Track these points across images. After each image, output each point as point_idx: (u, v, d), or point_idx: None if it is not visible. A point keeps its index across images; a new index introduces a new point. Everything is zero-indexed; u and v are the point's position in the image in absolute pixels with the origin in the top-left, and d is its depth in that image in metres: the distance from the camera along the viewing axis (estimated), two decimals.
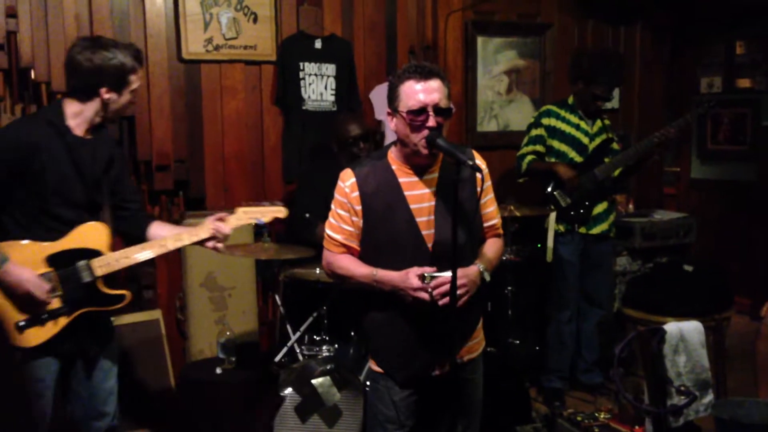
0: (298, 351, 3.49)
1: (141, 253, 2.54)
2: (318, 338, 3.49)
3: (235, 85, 4.14)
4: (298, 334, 3.49)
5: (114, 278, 2.61)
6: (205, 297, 3.99)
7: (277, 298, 3.72)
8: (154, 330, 3.83)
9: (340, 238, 2.38)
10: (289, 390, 3.13)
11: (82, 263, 2.48)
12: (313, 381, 3.06)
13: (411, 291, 2.24)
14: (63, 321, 2.47)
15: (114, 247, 2.58)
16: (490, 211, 2.51)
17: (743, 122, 5.87)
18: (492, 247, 2.49)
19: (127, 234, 2.69)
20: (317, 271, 3.44)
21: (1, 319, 2.43)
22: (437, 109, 2.23)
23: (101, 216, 2.57)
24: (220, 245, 2.63)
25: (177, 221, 4.00)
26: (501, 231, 2.58)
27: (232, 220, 2.66)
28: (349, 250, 2.38)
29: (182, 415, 3.75)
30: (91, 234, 2.51)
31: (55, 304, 2.45)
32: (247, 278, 4.10)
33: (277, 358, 3.54)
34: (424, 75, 2.24)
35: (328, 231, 2.41)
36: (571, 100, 4.15)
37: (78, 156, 2.48)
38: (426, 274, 2.22)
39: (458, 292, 2.22)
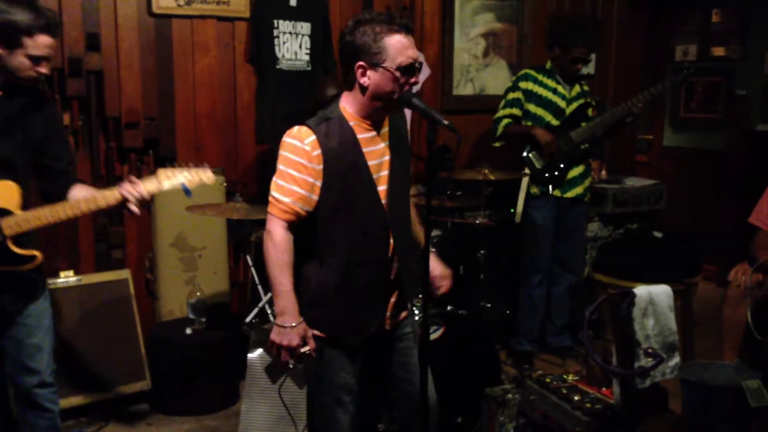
0: (269, 312, 3.48)
1: (52, 215, 2.45)
2: None
3: (207, 42, 4.05)
4: (269, 295, 3.47)
5: (29, 237, 2.52)
6: (175, 257, 3.95)
7: (248, 258, 3.70)
8: (122, 289, 3.78)
9: (289, 202, 2.17)
10: (259, 351, 3.12)
11: None
12: None
13: (284, 342, 2.17)
14: None
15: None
16: None
17: (717, 91, 5.92)
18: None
19: (50, 195, 2.57)
20: None
21: None
22: (419, 66, 2.22)
23: (16, 174, 2.46)
24: (134, 209, 2.51)
25: None
26: None
27: (148, 184, 2.54)
28: (296, 215, 2.19)
29: (151, 375, 3.74)
30: (1, 193, 2.43)
31: None
32: (218, 238, 4.06)
33: (247, 319, 3.53)
34: (407, 30, 2.18)
35: (275, 194, 2.19)
36: (548, 65, 4.14)
37: None
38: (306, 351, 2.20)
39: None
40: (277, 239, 2.20)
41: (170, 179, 2.56)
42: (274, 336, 2.19)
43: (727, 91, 5.84)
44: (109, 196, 2.49)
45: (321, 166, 2.18)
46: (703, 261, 4.53)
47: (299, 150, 2.16)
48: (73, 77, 3.72)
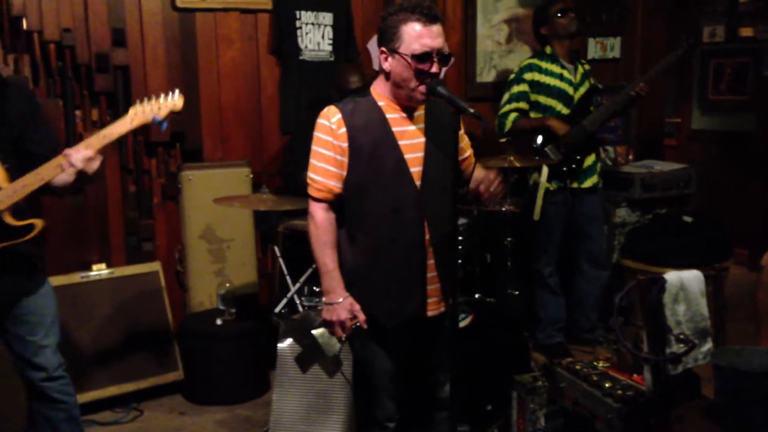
0: (297, 302, 3.50)
1: (36, 179, 2.41)
2: (317, 289, 3.49)
3: (230, 35, 4.07)
4: (297, 285, 3.49)
5: (27, 209, 2.52)
6: (204, 249, 3.99)
7: (276, 249, 3.72)
8: (153, 281, 3.83)
9: (322, 180, 2.27)
10: (289, 341, 3.14)
11: None
12: (313, 332, 3.06)
13: (334, 318, 2.30)
14: None
15: None
16: (471, 152, 2.54)
17: (745, 72, 5.82)
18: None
19: None
20: None
21: None
22: (440, 55, 2.19)
23: None
24: (77, 165, 2.39)
25: (174, 174, 3.98)
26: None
27: (119, 126, 2.47)
28: (332, 194, 2.29)
29: (183, 365, 3.79)
30: None
31: None
32: (246, 230, 4.10)
33: (276, 310, 3.55)
34: (430, 18, 2.17)
35: (310, 174, 2.29)
36: (549, 49, 4.03)
37: None
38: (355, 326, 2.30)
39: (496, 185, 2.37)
40: (318, 220, 2.30)
41: (139, 115, 2.51)
42: (324, 314, 2.33)
43: (755, 72, 5.74)
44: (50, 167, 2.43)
45: (347, 144, 2.25)
46: (734, 245, 4.46)
47: (326, 128, 2.26)
48: (101, 73, 3.76)
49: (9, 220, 2.44)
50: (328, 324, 2.35)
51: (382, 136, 2.26)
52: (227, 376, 3.69)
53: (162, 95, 2.55)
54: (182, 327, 3.82)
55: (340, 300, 2.29)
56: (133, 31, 3.84)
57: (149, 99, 2.53)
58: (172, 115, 3.89)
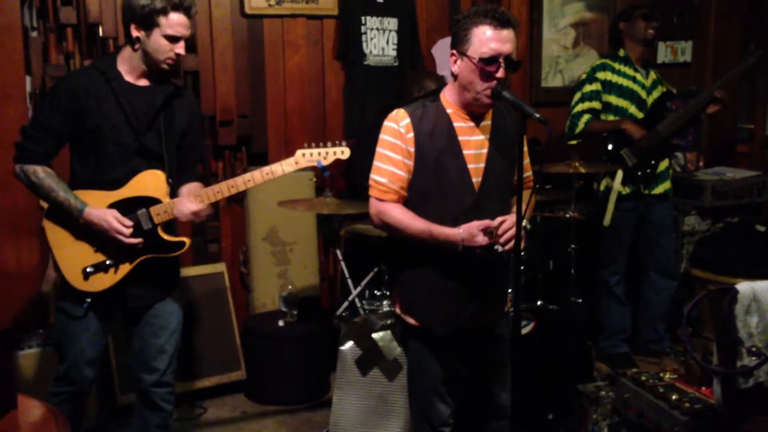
0: (359, 305, 3.52)
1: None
2: (379, 293, 3.51)
3: (297, 40, 4.13)
4: (359, 288, 3.51)
5: (176, 225, 2.66)
6: (267, 251, 4.05)
7: (338, 252, 3.75)
8: (218, 282, 3.92)
9: (388, 183, 2.26)
10: (349, 344, 3.16)
11: (141, 211, 2.51)
12: (374, 335, 3.09)
13: (474, 245, 2.19)
14: (125, 268, 2.52)
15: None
16: (527, 162, 2.50)
17: None
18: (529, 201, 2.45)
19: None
20: None
21: (69, 264, 2.52)
22: (508, 61, 2.18)
23: (162, 164, 2.57)
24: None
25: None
26: (532, 183, 2.54)
27: (285, 165, 2.59)
28: (397, 196, 2.28)
29: (246, 365, 3.85)
30: (149, 182, 2.53)
31: (119, 251, 2.50)
32: (309, 233, 4.15)
33: (338, 312, 3.58)
34: (501, 23, 2.16)
35: (374, 176, 2.28)
36: (622, 52, 3.97)
37: (127, 101, 2.49)
38: (491, 230, 2.17)
39: (507, 236, 2.19)
40: (388, 208, 2.27)
41: (307, 158, 2.63)
42: (468, 243, 2.18)
43: None
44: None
45: (413, 149, 2.24)
46: None
47: (395, 132, 2.25)
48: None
49: (162, 234, 2.56)
50: (469, 249, 2.19)
51: (447, 144, 2.25)
52: (289, 377, 3.74)
53: (330, 143, 2.67)
54: (245, 327, 3.89)
55: (460, 231, 2.18)
56: (203, 37, 3.93)
57: (317, 145, 2.66)
58: (239, 119, 4.01)
